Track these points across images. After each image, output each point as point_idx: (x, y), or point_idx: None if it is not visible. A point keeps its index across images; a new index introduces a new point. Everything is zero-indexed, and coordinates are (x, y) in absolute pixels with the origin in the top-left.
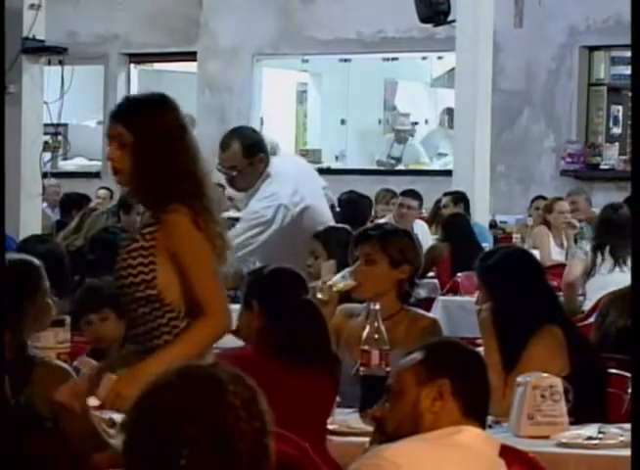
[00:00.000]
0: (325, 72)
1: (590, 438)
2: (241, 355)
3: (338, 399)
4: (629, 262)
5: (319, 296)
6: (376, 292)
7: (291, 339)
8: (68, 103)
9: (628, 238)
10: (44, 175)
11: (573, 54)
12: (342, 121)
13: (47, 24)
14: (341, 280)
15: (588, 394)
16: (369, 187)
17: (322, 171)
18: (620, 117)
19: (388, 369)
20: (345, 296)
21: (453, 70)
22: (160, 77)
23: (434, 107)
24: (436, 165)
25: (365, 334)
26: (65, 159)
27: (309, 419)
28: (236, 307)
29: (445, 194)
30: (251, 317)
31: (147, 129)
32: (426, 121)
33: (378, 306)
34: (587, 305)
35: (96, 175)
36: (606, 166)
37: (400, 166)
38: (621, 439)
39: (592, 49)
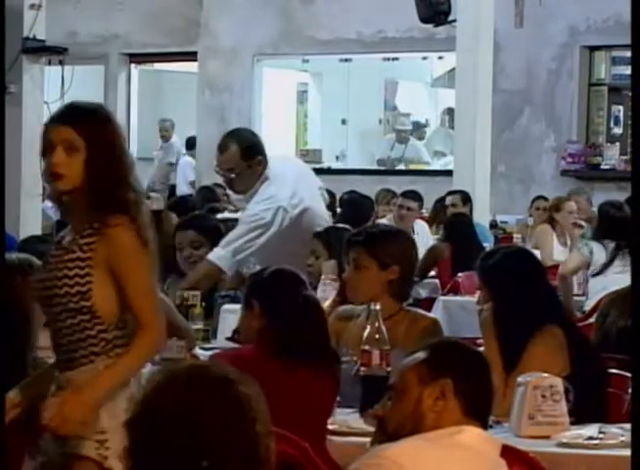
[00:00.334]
0: (325, 72)
1: (591, 438)
2: (240, 355)
3: (338, 398)
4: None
5: None
6: (369, 296)
7: (291, 338)
8: None
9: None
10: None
11: (574, 54)
12: (343, 121)
13: (47, 24)
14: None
15: (589, 394)
16: (369, 187)
17: (322, 171)
18: (621, 118)
19: (389, 369)
20: (346, 298)
21: (454, 69)
22: (161, 77)
23: (434, 107)
24: (437, 165)
25: (366, 334)
26: None
27: (310, 419)
28: (236, 307)
29: (450, 193)
30: (251, 318)
31: (98, 135)
32: (426, 121)
33: (378, 307)
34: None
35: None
36: (606, 167)
37: (401, 166)
38: (622, 439)
39: (593, 49)
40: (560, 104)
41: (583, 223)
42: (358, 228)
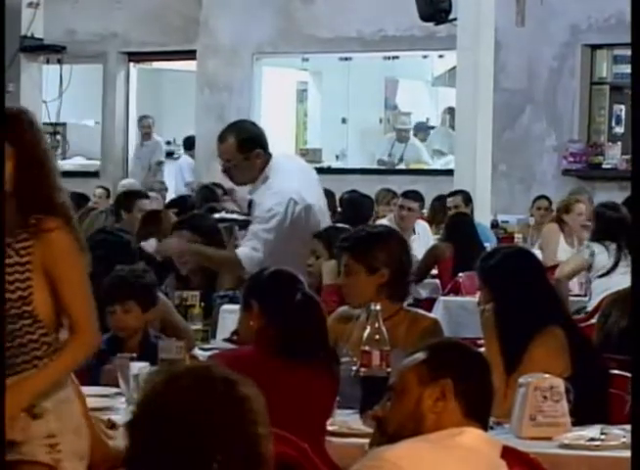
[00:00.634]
0: (325, 71)
1: (592, 439)
2: (239, 356)
3: (338, 399)
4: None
5: None
6: (362, 300)
7: (290, 337)
8: (67, 102)
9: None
10: None
11: (575, 52)
12: (343, 120)
13: (45, 23)
14: None
15: (590, 395)
16: (370, 187)
17: (322, 171)
18: (623, 117)
19: (389, 370)
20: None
21: (454, 68)
22: (160, 76)
23: (435, 106)
24: (437, 165)
25: (366, 335)
26: (63, 158)
27: (309, 419)
28: (235, 308)
29: (451, 194)
30: (250, 318)
31: (26, 139)
32: (427, 120)
33: (379, 307)
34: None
35: (94, 175)
36: (608, 166)
37: (402, 166)
38: (624, 440)
39: (594, 47)
40: (561, 103)
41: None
42: (347, 233)
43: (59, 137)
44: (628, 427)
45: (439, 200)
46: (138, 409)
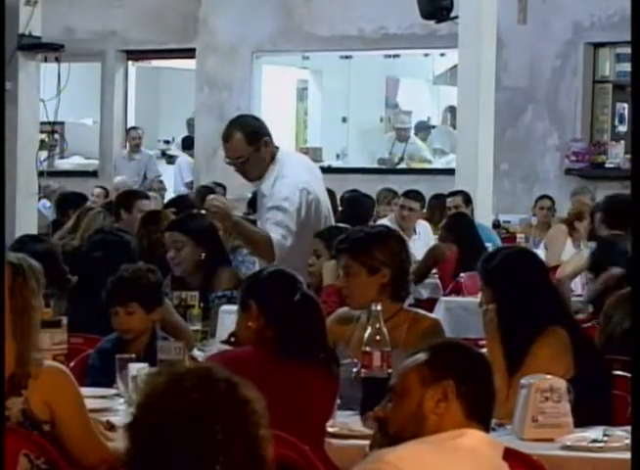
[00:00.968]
0: (326, 70)
1: (595, 441)
2: (237, 357)
3: (338, 401)
4: None
5: None
6: (364, 301)
7: (289, 337)
8: (65, 101)
9: None
10: (40, 174)
11: (578, 51)
12: (344, 119)
13: (43, 21)
14: None
15: (593, 396)
16: (371, 186)
17: (323, 170)
18: (626, 115)
19: (390, 371)
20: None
21: (456, 67)
22: (159, 75)
23: (436, 104)
24: (438, 164)
25: (367, 335)
26: (61, 157)
27: (308, 420)
28: (234, 308)
29: (451, 194)
30: (248, 318)
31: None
32: (428, 119)
33: (379, 307)
34: None
35: (93, 174)
36: (611, 165)
37: (402, 165)
38: (627, 441)
39: (597, 46)
40: (564, 101)
41: None
42: (345, 234)
43: (57, 136)
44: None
45: (437, 198)
46: (138, 411)
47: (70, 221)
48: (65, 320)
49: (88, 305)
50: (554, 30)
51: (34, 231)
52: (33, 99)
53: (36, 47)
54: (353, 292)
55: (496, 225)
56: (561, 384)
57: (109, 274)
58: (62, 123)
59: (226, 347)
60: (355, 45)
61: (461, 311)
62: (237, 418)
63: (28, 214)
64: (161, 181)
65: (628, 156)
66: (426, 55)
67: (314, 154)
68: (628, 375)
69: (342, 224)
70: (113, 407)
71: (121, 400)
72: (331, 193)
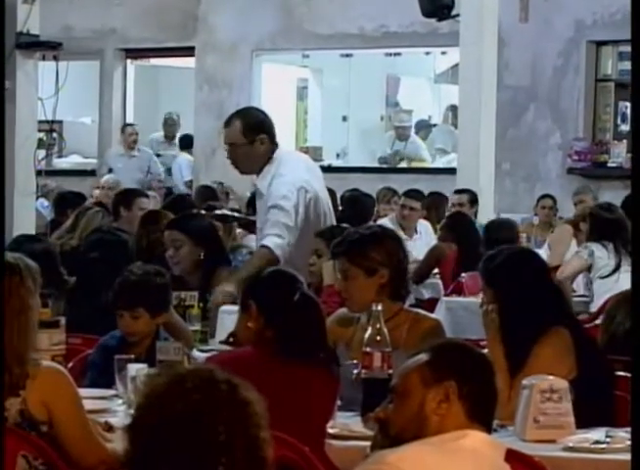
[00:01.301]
0: (326, 68)
1: (597, 442)
2: (237, 357)
3: (339, 402)
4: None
5: None
6: (364, 303)
7: (288, 337)
8: (64, 99)
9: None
10: (38, 173)
11: (580, 49)
12: (344, 118)
13: (41, 19)
14: None
15: (595, 397)
16: (371, 185)
17: (323, 169)
18: (629, 114)
19: (391, 372)
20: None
21: (457, 65)
22: (158, 73)
23: (437, 103)
24: (440, 163)
25: (367, 336)
26: (60, 156)
27: (309, 421)
28: (233, 308)
29: (457, 191)
30: (248, 319)
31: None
32: (429, 118)
33: (380, 307)
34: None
35: (91, 173)
36: (613, 164)
37: (403, 164)
38: (629, 443)
39: (599, 44)
40: (566, 100)
41: None
42: (340, 237)
43: (55, 135)
44: None
45: (434, 196)
46: (139, 412)
47: (69, 221)
48: (63, 321)
49: (86, 305)
50: (556, 29)
51: (32, 231)
52: (31, 97)
53: (34, 45)
54: (352, 294)
55: None
56: (563, 385)
57: (107, 274)
58: (60, 122)
59: (225, 347)
60: (356, 43)
61: (462, 312)
62: (238, 420)
63: (26, 214)
64: (161, 181)
65: (630, 155)
66: (427, 53)
67: (314, 153)
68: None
69: (343, 224)
70: (111, 408)
71: (120, 401)
72: (331, 192)
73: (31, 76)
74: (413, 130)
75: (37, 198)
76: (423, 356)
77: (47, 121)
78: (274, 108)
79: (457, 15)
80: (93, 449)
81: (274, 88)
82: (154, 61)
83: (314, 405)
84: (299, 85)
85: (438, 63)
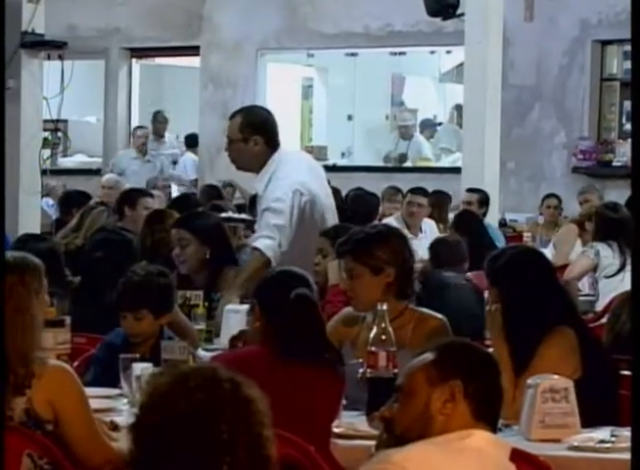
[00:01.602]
0: (331, 67)
1: (602, 441)
2: (242, 357)
3: (344, 401)
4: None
5: None
6: (370, 302)
7: (287, 337)
8: (68, 98)
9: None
10: (43, 172)
11: (585, 48)
12: (349, 117)
13: (46, 18)
14: None
15: (600, 396)
16: (376, 184)
17: (328, 168)
18: None
19: (396, 371)
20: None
21: (462, 64)
22: (162, 72)
23: (442, 102)
24: (445, 162)
25: (372, 335)
26: (65, 155)
27: (313, 420)
28: (239, 307)
29: (470, 190)
30: (254, 319)
31: None
32: (434, 117)
33: (385, 307)
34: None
35: (96, 172)
36: (618, 164)
37: (408, 164)
38: None
39: (604, 43)
40: (571, 99)
41: None
42: (345, 236)
43: (60, 134)
44: None
45: (437, 195)
46: (142, 411)
47: (74, 220)
48: (68, 320)
49: (91, 304)
50: (561, 28)
51: (37, 230)
52: (36, 97)
53: (39, 45)
54: (358, 294)
55: (503, 224)
56: (568, 384)
57: (111, 273)
58: (65, 121)
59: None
60: (361, 42)
61: None
62: (241, 418)
63: (31, 213)
64: (166, 179)
65: (631, 155)
66: (432, 52)
67: (319, 152)
68: None
69: (349, 224)
70: (116, 407)
71: (125, 401)
72: (336, 191)
73: (36, 76)
74: (418, 129)
75: (42, 197)
76: (428, 356)
77: (52, 121)
78: (279, 107)
79: (462, 14)
80: (99, 448)
81: (279, 87)
82: (158, 60)
83: (319, 405)
84: (304, 84)
85: (443, 62)
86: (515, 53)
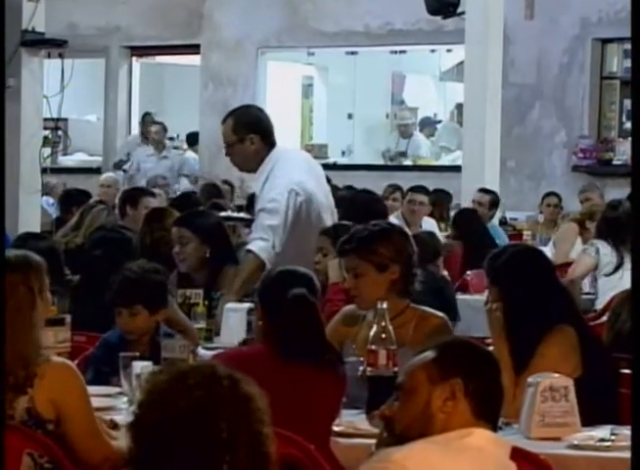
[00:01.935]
0: (331, 66)
1: (602, 440)
2: (243, 355)
3: (344, 399)
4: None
5: None
6: (374, 300)
7: (285, 336)
8: (69, 97)
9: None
10: (43, 171)
11: (586, 47)
12: (349, 116)
13: (47, 17)
14: None
15: (600, 394)
16: (376, 183)
17: (328, 167)
18: None
19: (396, 369)
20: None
21: (462, 63)
22: (163, 71)
23: (443, 101)
24: (445, 161)
25: (372, 333)
26: (65, 154)
27: (313, 419)
28: (239, 306)
29: (482, 190)
30: (257, 317)
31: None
32: (434, 116)
33: (385, 305)
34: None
35: (97, 171)
36: (619, 162)
37: (408, 162)
38: None
39: (605, 42)
40: (571, 98)
41: None
42: (347, 234)
43: (60, 133)
44: None
45: (437, 194)
46: (141, 409)
47: (74, 218)
48: (68, 318)
49: (90, 302)
50: (561, 26)
51: (37, 228)
52: (37, 95)
53: (40, 43)
54: (363, 292)
55: (503, 222)
56: (568, 383)
57: (110, 272)
58: (65, 120)
59: (232, 344)
60: (361, 41)
61: (467, 309)
62: (241, 415)
63: (32, 211)
64: (165, 178)
65: (631, 153)
66: (432, 51)
67: (320, 150)
68: None
69: (349, 222)
70: (116, 406)
71: (125, 399)
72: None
73: (37, 74)
74: (417, 128)
75: (42, 195)
76: (429, 354)
77: (52, 119)
78: (279, 105)
79: (462, 12)
80: (99, 446)
81: (279, 86)
82: (159, 58)
83: (319, 405)
84: (305, 83)
85: (444, 60)
86: (515, 51)
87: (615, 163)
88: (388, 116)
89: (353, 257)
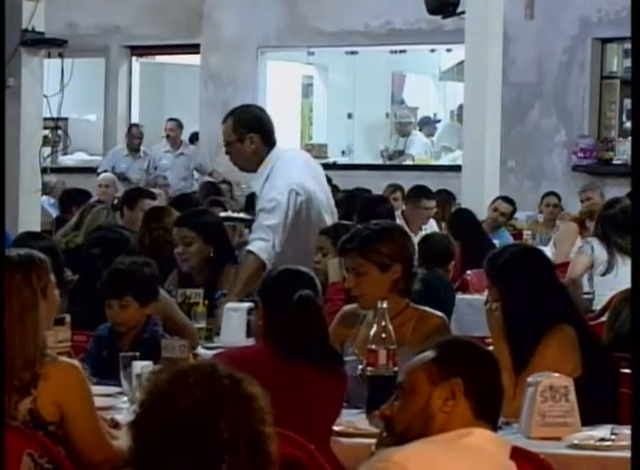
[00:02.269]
0: (331, 65)
1: (602, 439)
2: (243, 355)
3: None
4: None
5: None
6: (376, 299)
7: (286, 336)
8: (69, 96)
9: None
10: (43, 171)
11: (586, 46)
12: (349, 115)
13: (46, 16)
14: None
15: (600, 394)
16: (376, 182)
17: (328, 167)
18: None
19: (396, 369)
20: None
21: (462, 62)
22: (163, 70)
23: (442, 100)
24: (445, 161)
25: (372, 333)
26: (65, 153)
27: (314, 419)
28: (239, 306)
29: (501, 198)
30: (258, 316)
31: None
32: (434, 115)
33: (385, 305)
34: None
35: (96, 171)
36: (619, 162)
37: (405, 160)
38: None
39: (605, 41)
40: (571, 97)
41: None
42: (348, 234)
43: (60, 132)
44: None
45: (440, 193)
46: (142, 408)
47: (74, 218)
48: (68, 318)
49: (88, 302)
50: (561, 26)
51: (37, 228)
52: (37, 95)
53: (39, 43)
54: (365, 291)
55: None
56: (567, 382)
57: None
58: (65, 119)
59: (233, 343)
60: (361, 41)
61: (467, 309)
62: (241, 415)
63: (31, 211)
64: (165, 177)
65: (631, 153)
66: (432, 50)
67: (319, 150)
68: None
69: (349, 222)
70: (116, 405)
71: (125, 398)
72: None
73: (37, 74)
74: (417, 127)
75: (42, 195)
76: (429, 354)
77: (52, 119)
78: (279, 105)
79: (462, 12)
80: (101, 445)
81: (279, 85)
82: (159, 58)
83: (320, 406)
84: (305, 82)
85: (444, 60)
86: (515, 51)
87: (615, 162)
88: (387, 115)
89: (355, 256)
